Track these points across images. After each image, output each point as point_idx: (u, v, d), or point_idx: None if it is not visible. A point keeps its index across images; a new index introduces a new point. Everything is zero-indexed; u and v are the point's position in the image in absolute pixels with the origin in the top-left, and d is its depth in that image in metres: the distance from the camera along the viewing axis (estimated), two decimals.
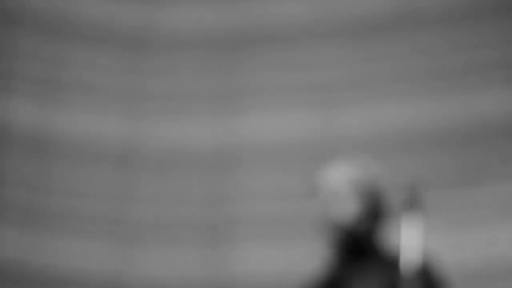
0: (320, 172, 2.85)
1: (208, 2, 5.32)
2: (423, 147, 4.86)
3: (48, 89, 5.10)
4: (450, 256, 4.59)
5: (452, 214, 4.69)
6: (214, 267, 4.89)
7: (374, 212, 2.81)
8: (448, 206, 4.71)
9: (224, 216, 4.99)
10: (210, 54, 5.27)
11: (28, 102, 5.03)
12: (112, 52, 5.21)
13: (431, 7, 4.96)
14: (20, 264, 4.81)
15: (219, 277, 4.87)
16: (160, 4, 5.31)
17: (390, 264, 2.74)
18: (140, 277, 4.87)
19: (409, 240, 2.28)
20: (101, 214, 4.97)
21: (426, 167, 4.75)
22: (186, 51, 5.28)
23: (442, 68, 4.90)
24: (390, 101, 4.94)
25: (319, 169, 2.91)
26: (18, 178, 4.97)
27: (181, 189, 5.08)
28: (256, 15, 5.23)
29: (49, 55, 5.15)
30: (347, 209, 2.76)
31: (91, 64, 5.19)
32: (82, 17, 5.20)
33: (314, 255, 3.10)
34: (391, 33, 5.05)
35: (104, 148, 5.09)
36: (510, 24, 4.83)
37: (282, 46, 5.14)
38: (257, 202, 4.97)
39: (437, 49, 4.93)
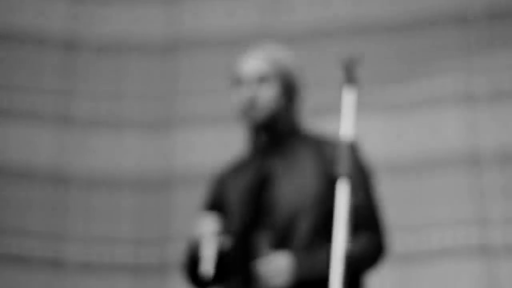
0: (238, 59, 2.77)
1: None
2: (368, 36, 4.79)
3: None
4: (392, 146, 4.58)
5: (395, 105, 4.65)
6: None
7: (293, 93, 2.74)
8: (391, 97, 4.67)
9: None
10: None
11: None
12: None
13: None
14: None
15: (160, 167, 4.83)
16: None
17: (316, 143, 2.67)
18: None
19: (343, 116, 2.20)
20: None
21: (371, 56, 4.68)
22: None
23: None
24: None
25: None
26: None
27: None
28: None
29: None
30: (266, 91, 2.68)
31: None
32: None
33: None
34: None
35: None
36: None
37: None
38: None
39: None
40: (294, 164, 2.64)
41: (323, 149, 2.62)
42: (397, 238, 4.40)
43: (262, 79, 2.69)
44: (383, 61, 4.67)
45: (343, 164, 2.13)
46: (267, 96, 2.67)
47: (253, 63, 2.71)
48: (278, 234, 2.55)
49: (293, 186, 2.60)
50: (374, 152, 4.55)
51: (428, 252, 4.35)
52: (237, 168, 2.77)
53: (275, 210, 2.58)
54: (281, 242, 2.55)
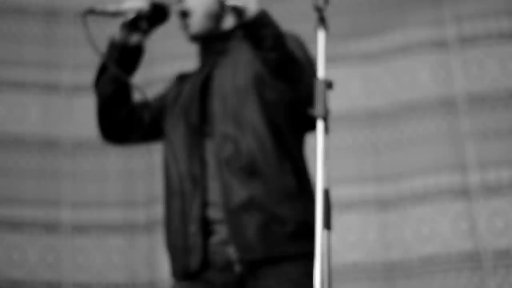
0: None
1: None
2: None
3: None
4: (370, 95, 4.49)
5: (370, 55, 4.55)
6: None
7: None
8: (366, 47, 4.57)
9: None
10: None
11: None
12: None
13: None
14: None
15: None
16: None
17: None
18: None
19: (319, 57, 2.09)
20: None
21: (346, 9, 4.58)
22: None
23: None
24: None
25: None
26: None
27: None
28: None
29: None
30: None
31: None
32: None
33: None
34: None
35: None
36: None
37: None
38: None
39: None
40: (232, 59, 2.47)
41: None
42: (378, 186, 4.34)
43: None
44: (357, 14, 4.58)
45: (320, 105, 2.02)
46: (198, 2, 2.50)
47: None
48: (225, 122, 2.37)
49: (229, 75, 2.43)
50: (353, 102, 4.48)
51: (408, 197, 4.29)
52: (189, 76, 2.62)
53: (216, 100, 2.42)
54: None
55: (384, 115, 4.43)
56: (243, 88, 2.39)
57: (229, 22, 2.53)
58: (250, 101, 2.37)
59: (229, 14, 2.50)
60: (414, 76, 4.42)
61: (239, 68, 2.43)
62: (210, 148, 2.40)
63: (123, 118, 2.58)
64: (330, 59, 4.42)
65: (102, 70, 2.57)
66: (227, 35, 2.53)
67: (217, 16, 2.52)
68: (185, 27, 2.52)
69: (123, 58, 2.52)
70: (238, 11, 2.27)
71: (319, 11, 2.09)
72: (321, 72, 2.06)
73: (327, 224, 1.92)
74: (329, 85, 2.01)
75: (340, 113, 4.44)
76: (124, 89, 2.57)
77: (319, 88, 2.01)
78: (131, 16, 2.44)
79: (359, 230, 4.31)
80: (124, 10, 2.45)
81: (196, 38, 2.53)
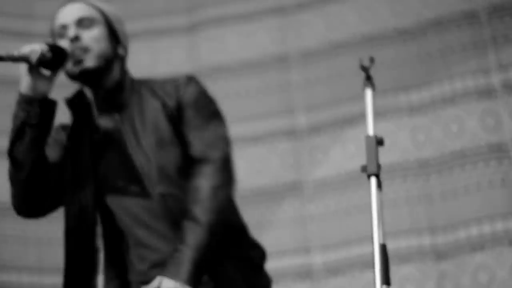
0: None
1: None
2: (384, 45, 4.69)
3: None
4: (421, 146, 4.46)
5: (419, 106, 4.54)
6: None
7: (119, 38, 2.48)
8: (415, 98, 4.57)
9: None
10: None
11: None
12: None
13: None
14: None
15: None
16: None
17: (156, 92, 2.43)
18: None
19: (368, 115, 2.09)
20: None
21: (390, 63, 4.59)
22: None
23: None
24: None
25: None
26: None
27: None
28: None
29: None
30: (91, 32, 2.43)
31: None
32: None
33: None
34: None
35: None
36: None
37: None
38: None
39: None
40: (138, 118, 2.40)
41: (165, 94, 2.43)
42: (434, 236, 4.29)
43: (82, 20, 2.44)
44: (404, 67, 4.58)
45: (371, 162, 2.01)
46: (93, 36, 2.43)
47: (73, 7, 2.48)
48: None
49: (142, 148, 2.34)
50: (404, 153, 4.45)
51: (464, 246, 4.23)
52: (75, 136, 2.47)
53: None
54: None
55: (436, 165, 4.40)
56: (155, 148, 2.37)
57: (117, 71, 2.49)
58: (171, 155, 2.36)
59: (117, 63, 2.49)
60: (463, 125, 4.39)
61: (146, 129, 2.39)
62: (142, 209, 2.37)
63: (46, 188, 2.37)
64: (380, 113, 4.44)
65: (19, 134, 2.30)
66: (120, 86, 2.46)
67: (109, 60, 2.46)
68: (79, 61, 2.41)
69: (35, 110, 2.31)
70: None
71: (365, 70, 2.11)
72: (370, 129, 2.06)
73: (387, 280, 1.89)
74: (380, 141, 2.01)
75: (392, 165, 4.42)
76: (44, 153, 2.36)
77: (369, 145, 2.00)
78: (34, 58, 2.31)
79: (417, 282, 4.26)
80: (27, 53, 2.32)
81: (87, 73, 2.42)
